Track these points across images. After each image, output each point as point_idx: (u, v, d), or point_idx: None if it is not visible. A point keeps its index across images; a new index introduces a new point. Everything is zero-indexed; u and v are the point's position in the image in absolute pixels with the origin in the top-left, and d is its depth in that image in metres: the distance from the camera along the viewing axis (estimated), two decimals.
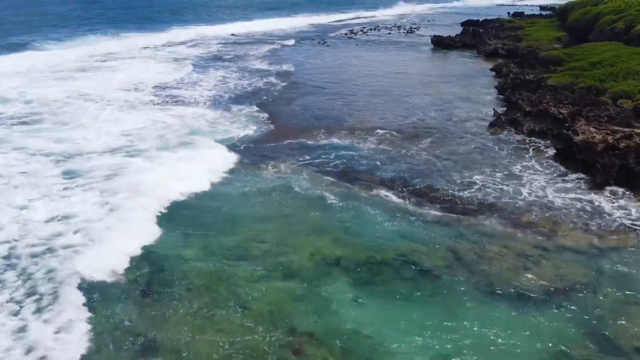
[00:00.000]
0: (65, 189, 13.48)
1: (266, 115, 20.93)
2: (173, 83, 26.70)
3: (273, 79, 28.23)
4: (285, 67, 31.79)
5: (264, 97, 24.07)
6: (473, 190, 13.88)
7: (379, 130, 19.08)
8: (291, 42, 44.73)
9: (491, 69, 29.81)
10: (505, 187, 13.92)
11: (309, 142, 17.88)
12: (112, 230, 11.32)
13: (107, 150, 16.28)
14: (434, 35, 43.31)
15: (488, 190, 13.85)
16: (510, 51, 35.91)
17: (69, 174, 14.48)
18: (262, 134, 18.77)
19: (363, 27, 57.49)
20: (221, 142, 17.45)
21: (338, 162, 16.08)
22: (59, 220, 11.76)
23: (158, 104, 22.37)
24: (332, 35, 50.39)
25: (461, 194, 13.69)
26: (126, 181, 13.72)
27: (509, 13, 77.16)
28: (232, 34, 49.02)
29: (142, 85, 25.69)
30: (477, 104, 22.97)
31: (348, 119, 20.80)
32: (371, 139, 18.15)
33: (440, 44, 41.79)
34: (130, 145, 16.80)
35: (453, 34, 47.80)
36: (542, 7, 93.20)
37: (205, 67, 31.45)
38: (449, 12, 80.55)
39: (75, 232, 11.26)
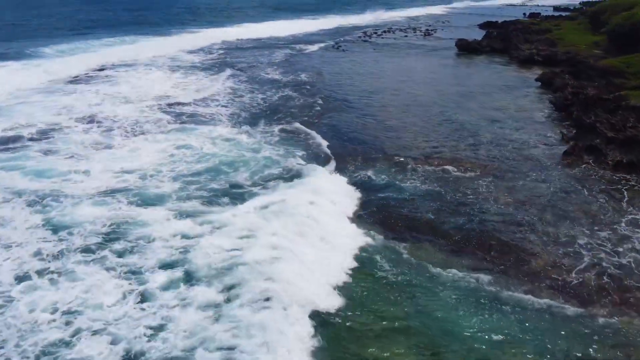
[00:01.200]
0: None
1: (292, 141, 17.65)
2: (185, 96, 23.37)
3: (290, 92, 24.91)
4: (302, 77, 28.49)
5: (284, 116, 20.75)
6: (579, 263, 10.50)
7: (423, 161, 15.83)
8: (303, 47, 41.42)
9: (537, 79, 26.53)
10: (623, 261, 10.57)
11: (343, 177, 14.67)
12: None
13: (102, 193, 13.00)
14: (458, 39, 40.03)
15: (602, 264, 10.43)
16: (547, 58, 32.68)
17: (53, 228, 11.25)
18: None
19: (376, 29, 54.23)
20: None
21: (378, 206, 12.91)
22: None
23: (172, 123, 19.15)
24: (345, 38, 47.08)
25: (562, 267, 10.36)
26: None
27: (524, 14, 73.94)
28: (238, 39, 45.74)
29: (152, 101, 22.39)
30: (534, 124, 19.69)
31: (384, 143, 17.52)
32: (417, 174, 14.87)
33: (466, 48, 38.53)
34: (139, 188, 13.48)
35: (472, 37, 44.54)
36: (555, 8, 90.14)
37: (215, 77, 28.12)
38: (462, 13, 77.31)
39: None
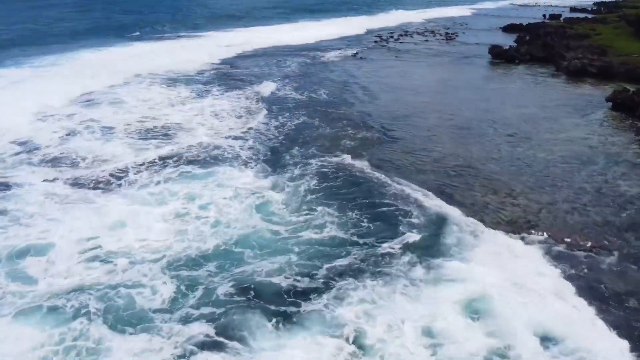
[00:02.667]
0: None
1: (345, 193, 13.10)
2: (188, 121, 18.82)
3: (313, 115, 20.36)
4: (323, 95, 23.94)
5: (315, 151, 16.20)
6: None
7: (523, 231, 11.34)
8: (318, 54, 36.83)
9: (608, 99, 22.08)
10: None
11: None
12: None
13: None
14: (492, 46, 35.52)
15: None
16: (603, 69, 28.27)
17: None
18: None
19: (392, 33, 49.68)
20: None
21: None
22: None
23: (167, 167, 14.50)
24: (361, 43, 42.54)
25: None
26: None
27: (544, 15, 69.66)
28: (229, 46, 41.11)
29: (139, 131, 17.79)
30: (637, 168, 15.24)
31: (453, 198, 13.00)
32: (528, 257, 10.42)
33: (502, 56, 34.04)
34: None
35: (498, 41, 40.23)
36: (572, 8, 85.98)
37: (220, 96, 23.57)
38: (478, 15, 72.85)
39: None
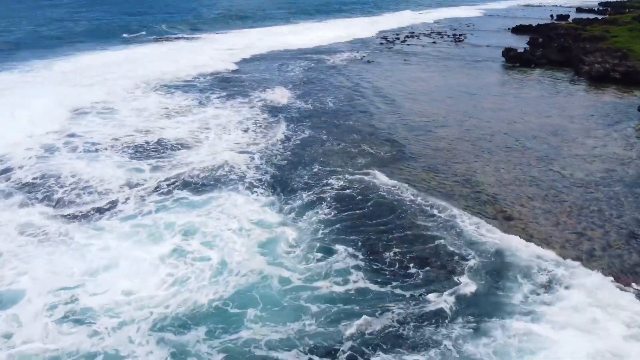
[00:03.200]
0: None
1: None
2: (178, 131, 17.13)
3: (320, 130, 18.68)
4: (330, 103, 22.27)
5: (317, 168, 14.51)
6: None
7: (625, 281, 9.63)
8: (322, 58, 35.15)
9: None
10: None
11: None
12: None
13: None
14: (506, 49, 33.82)
15: None
16: (627, 75, 26.61)
17: None
18: None
19: (397, 34, 48.03)
20: None
21: None
22: None
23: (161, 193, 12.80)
24: (365, 45, 40.84)
25: None
26: None
27: (552, 16, 68.03)
28: (230, 49, 39.35)
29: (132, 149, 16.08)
30: None
31: (504, 226, 11.31)
32: None
33: (517, 59, 32.36)
34: None
35: (507, 42, 38.67)
36: (578, 9, 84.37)
37: (218, 104, 21.89)
38: (484, 15, 71.07)
39: None
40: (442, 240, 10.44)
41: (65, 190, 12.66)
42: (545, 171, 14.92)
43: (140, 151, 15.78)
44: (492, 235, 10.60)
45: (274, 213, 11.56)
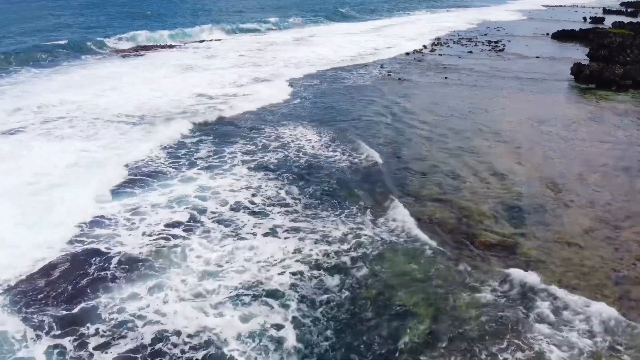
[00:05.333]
0: None
1: None
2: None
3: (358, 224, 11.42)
4: (366, 156, 14.94)
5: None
6: None
7: None
8: (340, 75, 27.78)
9: None
10: None
11: None
12: None
13: None
14: (576, 64, 26.46)
15: None
16: None
17: None
18: None
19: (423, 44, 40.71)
20: None
21: None
22: None
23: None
24: (389, 57, 33.46)
25: None
26: None
27: (584, 18, 60.83)
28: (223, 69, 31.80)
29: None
30: None
31: None
32: None
33: (594, 79, 25.06)
34: None
35: (551, 51, 31.77)
36: (605, 10, 77.26)
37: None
38: (515, 19, 63.58)
39: None
40: None
41: None
42: None
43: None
44: None
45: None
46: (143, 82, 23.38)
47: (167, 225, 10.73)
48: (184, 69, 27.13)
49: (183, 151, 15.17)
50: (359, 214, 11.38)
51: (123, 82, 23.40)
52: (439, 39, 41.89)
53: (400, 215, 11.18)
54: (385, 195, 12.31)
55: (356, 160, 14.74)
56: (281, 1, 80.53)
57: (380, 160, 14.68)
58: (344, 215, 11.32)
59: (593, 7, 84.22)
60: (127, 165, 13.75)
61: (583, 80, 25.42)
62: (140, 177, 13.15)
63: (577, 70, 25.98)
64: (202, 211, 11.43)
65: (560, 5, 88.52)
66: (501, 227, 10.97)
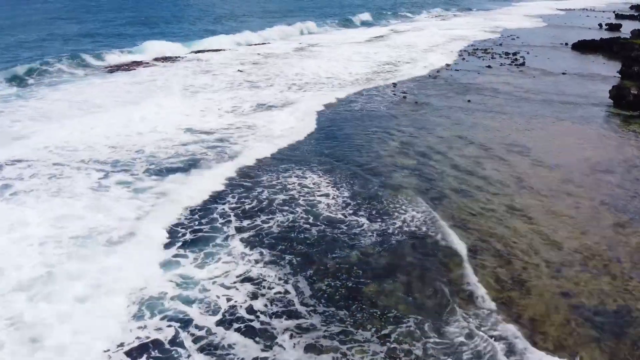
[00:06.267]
0: None
1: None
2: None
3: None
4: (399, 226, 11.93)
5: None
6: None
7: None
8: (342, 96, 24.77)
9: None
10: None
11: None
12: None
13: None
14: (616, 87, 23.52)
15: None
16: None
17: None
18: None
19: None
20: None
21: None
22: None
23: None
24: (411, 76, 30.45)
25: None
26: None
27: (600, 25, 57.87)
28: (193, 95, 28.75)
29: None
30: None
31: None
32: None
33: (635, 105, 22.12)
34: None
35: (576, 65, 29.32)
36: (618, 15, 74.36)
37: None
38: (528, 25, 60.52)
39: None
40: None
41: None
42: None
43: None
44: None
45: None
46: (123, 108, 20.28)
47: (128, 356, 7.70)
48: (178, 90, 24.02)
49: None
50: (417, 333, 8.32)
51: (99, 109, 20.30)
52: (461, 52, 38.74)
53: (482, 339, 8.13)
54: (442, 295, 9.31)
55: (385, 228, 11.74)
56: (283, 5, 77.66)
57: (413, 228, 11.70)
58: (392, 334, 8.27)
59: (604, 11, 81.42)
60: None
61: (625, 107, 22.47)
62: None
63: (617, 94, 23.03)
64: (185, 324, 8.43)
65: (570, 9, 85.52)
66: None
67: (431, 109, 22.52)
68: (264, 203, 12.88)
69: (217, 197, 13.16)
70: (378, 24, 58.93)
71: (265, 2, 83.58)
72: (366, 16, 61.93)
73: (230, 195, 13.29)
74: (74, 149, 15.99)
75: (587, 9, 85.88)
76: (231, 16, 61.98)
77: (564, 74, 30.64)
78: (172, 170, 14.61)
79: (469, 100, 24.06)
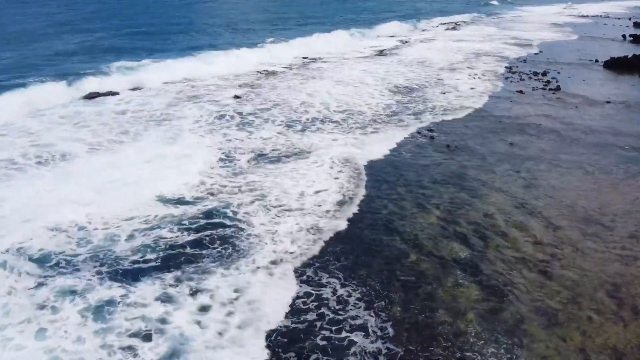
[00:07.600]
0: None
1: None
2: None
3: None
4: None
5: None
6: None
7: None
8: (356, 138, 20.65)
9: None
10: None
11: None
12: None
13: None
14: None
15: None
16: None
17: None
18: None
19: (441, 67, 33.61)
20: None
21: None
22: None
23: None
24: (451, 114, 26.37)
25: None
26: None
27: (624, 36, 53.96)
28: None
29: None
30: None
31: None
32: None
33: None
34: None
35: (614, 90, 26.10)
36: (636, 24, 70.49)
37: None
38: (553, 40, 56.47)
39: None
40: None
41: None
42: None
43: None
44: None
45: None
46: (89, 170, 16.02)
47: None
48: (150, 143, 19.55)
49: None
50: None
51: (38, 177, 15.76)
52: (472, 68, 34.69)
53: None
54: None
55: None
56: (280, 11, 73.59)
57: None
58: None
59: (619, 18, 77.62)
60: None
61: None
62: None
63: None
64: None
65: (586, 15, 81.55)
66: None
67: (469, 156, 18.45)
68: None
69: None
70: (382, 34, 54.62)
71: (259, 11, 79.49)
72: (367, 24, 57.72)
73: None
74: None
75: (603, 16, 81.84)
76: (228, 26, 57.68)
77: (608, 102, 26.64)
78: (137, 279, 10.43)
79: (510, 143, 20.01)
